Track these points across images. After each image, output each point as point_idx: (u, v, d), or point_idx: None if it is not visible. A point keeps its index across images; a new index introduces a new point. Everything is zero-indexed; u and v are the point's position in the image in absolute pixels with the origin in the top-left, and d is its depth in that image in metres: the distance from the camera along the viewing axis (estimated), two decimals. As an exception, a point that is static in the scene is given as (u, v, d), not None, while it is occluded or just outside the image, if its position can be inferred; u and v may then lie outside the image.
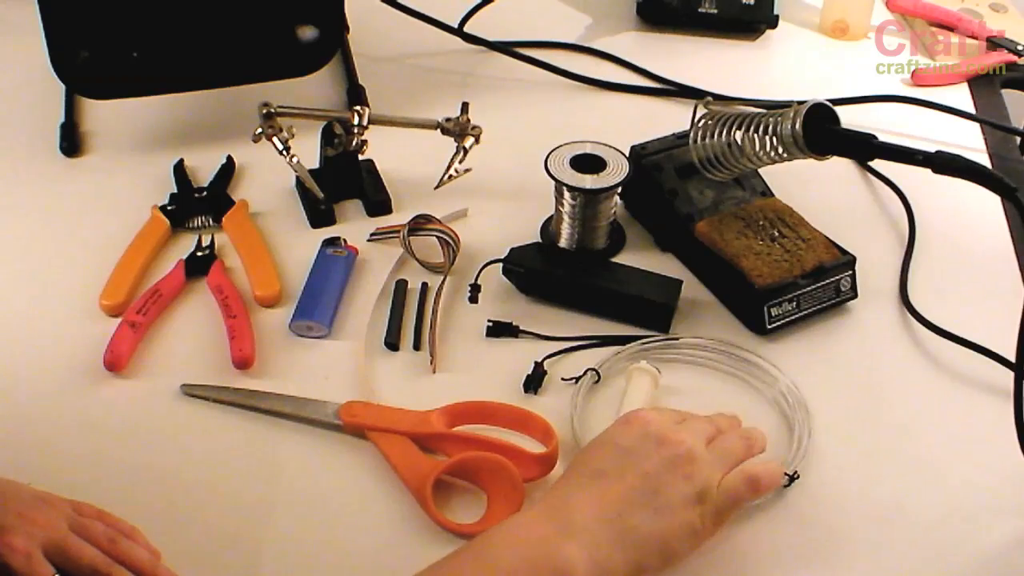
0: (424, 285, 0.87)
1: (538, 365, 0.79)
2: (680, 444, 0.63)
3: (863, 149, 0.78)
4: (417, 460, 0.71)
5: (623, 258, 0.90)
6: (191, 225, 0.92)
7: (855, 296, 0.85)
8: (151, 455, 0.73)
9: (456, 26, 1.17)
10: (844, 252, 0.85)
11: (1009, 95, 1.15)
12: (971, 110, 1.11)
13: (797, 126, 0.77)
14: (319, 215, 0.93)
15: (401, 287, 0.86)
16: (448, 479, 0.71)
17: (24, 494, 0.65)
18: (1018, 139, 1.07)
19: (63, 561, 0.62)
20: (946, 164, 0.71)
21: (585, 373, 0.78)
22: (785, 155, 0.80)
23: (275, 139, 0.89)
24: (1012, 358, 0.68)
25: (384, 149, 0.95)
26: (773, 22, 1.21)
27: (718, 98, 0.99)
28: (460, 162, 0.92)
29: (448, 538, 0.68)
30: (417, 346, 0.81)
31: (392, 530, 0.69)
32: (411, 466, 0.71)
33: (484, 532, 0.61)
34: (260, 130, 0.89)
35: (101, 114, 1.05)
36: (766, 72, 1.19)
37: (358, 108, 0.91)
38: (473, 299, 0.85)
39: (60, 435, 0.75)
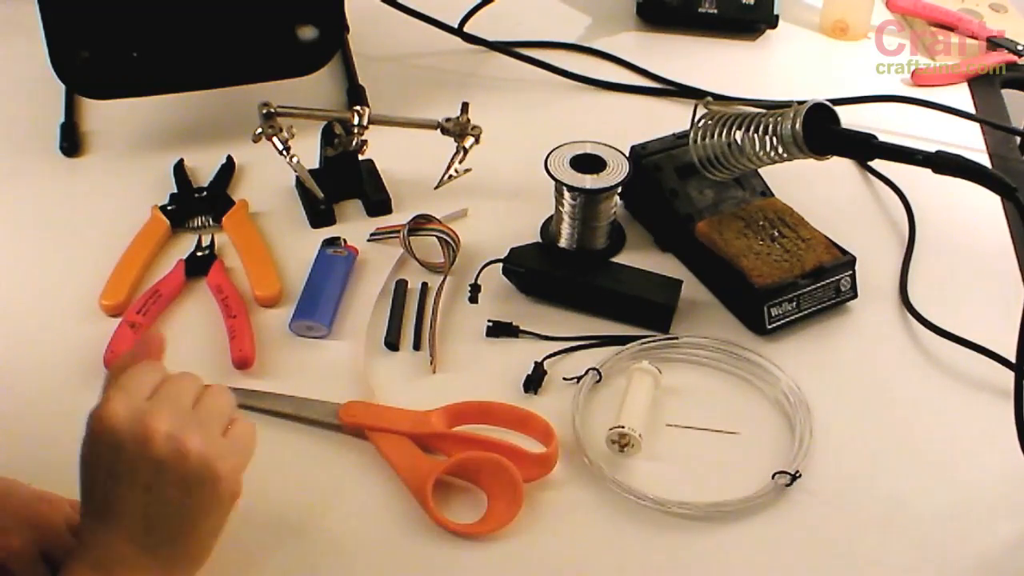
0: (424, 285, 0.87)
1: (538, 365, 0.79)
2: (157, 435, 0.56)
3: (863, 149, 0.78)
4: (417, 460, 0.71)
5: (623, 258, 0.90)
6: (191, 225, 0.92)
7: (855, 296, 0.85)
8: (151, 455, 0.73)
9: (456, 26, 1.17)
10: (844, 252, 0.85)
11: (1009, 95, 1.16)
12: (971, 110, 1.11)
13: (797, 126, 0.77)
14: (319, 215, 0.93)
15: (401, 287, 0.86)
16: (448, 479, 0.71)
17: (24, 493, 0.65)
18: (1018, 139, 1.07)
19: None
20: (946, 164, 0.71)
21: (587, 373, 0.78)
22: (785, 155, 0.80)
23: (275, 139, 0.89)
24: (1012, 358, 0.68)
25: (384, 149, 0.95)
26: (773, 22, 1.21)
27: (718, 98, 0.99)
28: (460, 162, 0.92)
29: (448, 538, 0.68)
30: (417, 346, 0.81)
31: (392, 530, 0.69)
32: (411, 466, 0.71)
33: None
34: (260, 130, 0.89)
35: (101, 114, 1.05)
36: (766, 72, 1.19)
37: (358, 108, 0.91)
38: (473, 299, 0.85)
39: (60, 435, 0.74)
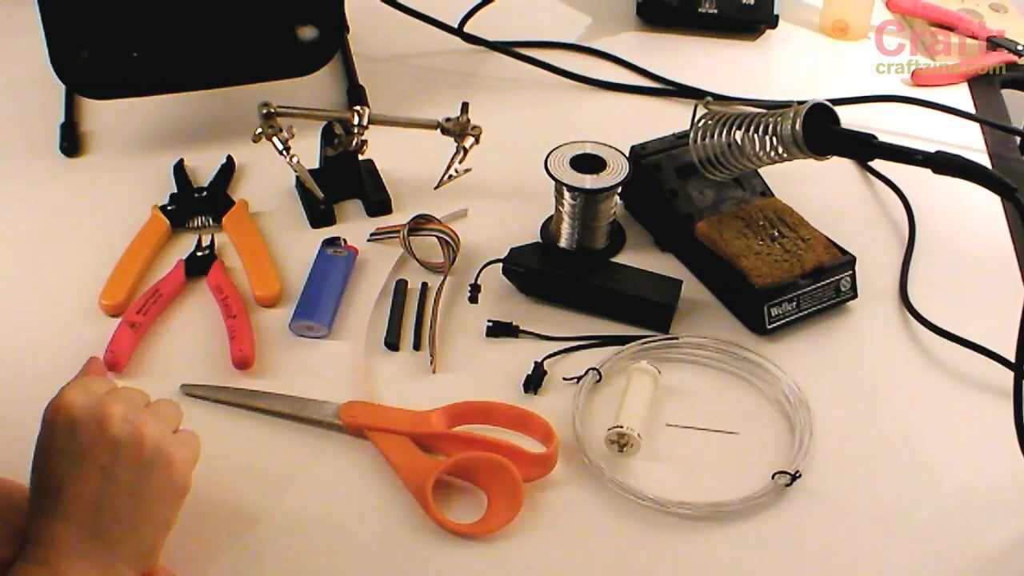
0: (424, 285, 0.87)
1: (538, 365, 0.79)
2: (114, 417, 0.59)
3: (863, 149, 0.78)
4: (417, 460, 0.71)
5: (623, 258, 0.90)
6: (191, 225, 0.92)
7: (855, 296, 0.85)
8: (151, 455, 0.73)
9: (456, 26, 1.17)
10: (844, 252, 0.85)
11: (1009, 95, 1.16)
12: (971, 110, 1.11)
13: (797, 126, 0.77)
14: (319, 215, 0.93)
15: (401, 287, 0.86)
16: (448, 479, 0.71)
17: (20, 498, 0.65)
18: (1018, 139, 1.07)
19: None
20: (946, 164, 0.71)
21: (587, 373, 0.78)
22: (785, 155, 0.80)
23: (275, 139, 0.89)
24: (1012, 358, 0.68)
25: (384, 149, 0.95)
26: (773, 22, 1.21)
27: (718, 98, 0.99)
28: (460, 162, 0.92)
29: (448, 538, 0.68)
30: (417, 346, 0.81)
31: (392, 530, 0.69)
32: (411, 466, 0.71)
33: None
34: (260, 130, 0.89)
35: (101, 114, 1.05)
36: (766, 72, 1.19)
37: (358, 108, 0.91)
38: (473, 299, 0.85)
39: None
